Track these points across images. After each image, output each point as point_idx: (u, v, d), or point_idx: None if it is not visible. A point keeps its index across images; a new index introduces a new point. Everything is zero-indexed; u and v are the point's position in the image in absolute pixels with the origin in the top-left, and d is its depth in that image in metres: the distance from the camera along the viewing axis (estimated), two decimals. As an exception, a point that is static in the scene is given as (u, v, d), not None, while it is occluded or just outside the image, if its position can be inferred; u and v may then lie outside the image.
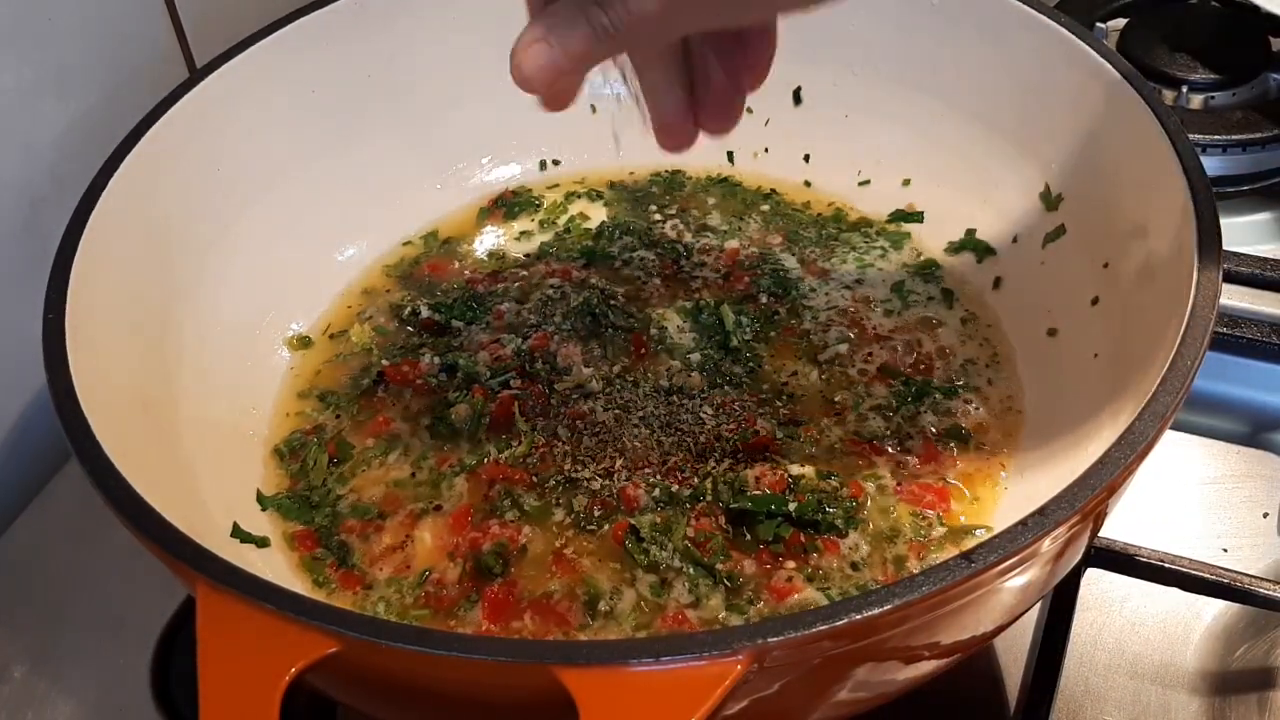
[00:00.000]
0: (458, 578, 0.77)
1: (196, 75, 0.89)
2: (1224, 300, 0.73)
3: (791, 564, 0.76)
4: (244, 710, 0.53)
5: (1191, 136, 0.77)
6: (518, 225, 1.04)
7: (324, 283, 0.98)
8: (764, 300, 0.94)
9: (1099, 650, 0.83)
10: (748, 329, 0.92)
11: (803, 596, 0.75)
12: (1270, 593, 0.78)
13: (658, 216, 1.03)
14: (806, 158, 1.05)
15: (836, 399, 0.87)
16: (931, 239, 0.99)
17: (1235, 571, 0.79)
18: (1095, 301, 0.84)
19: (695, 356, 0.90)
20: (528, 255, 1.01)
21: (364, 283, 0.99)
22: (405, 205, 1.03)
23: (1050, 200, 0.91)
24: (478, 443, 0.84)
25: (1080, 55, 0.85)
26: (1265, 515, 0.90)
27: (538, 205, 1.05)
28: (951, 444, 0.84)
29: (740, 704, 0.56)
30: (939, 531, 0.79)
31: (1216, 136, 1.12)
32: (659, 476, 0.80)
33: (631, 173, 1.08)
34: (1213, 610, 0.84)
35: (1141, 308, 0.78)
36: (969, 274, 0.96)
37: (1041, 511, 0.57)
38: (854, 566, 0.77)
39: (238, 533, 0.77)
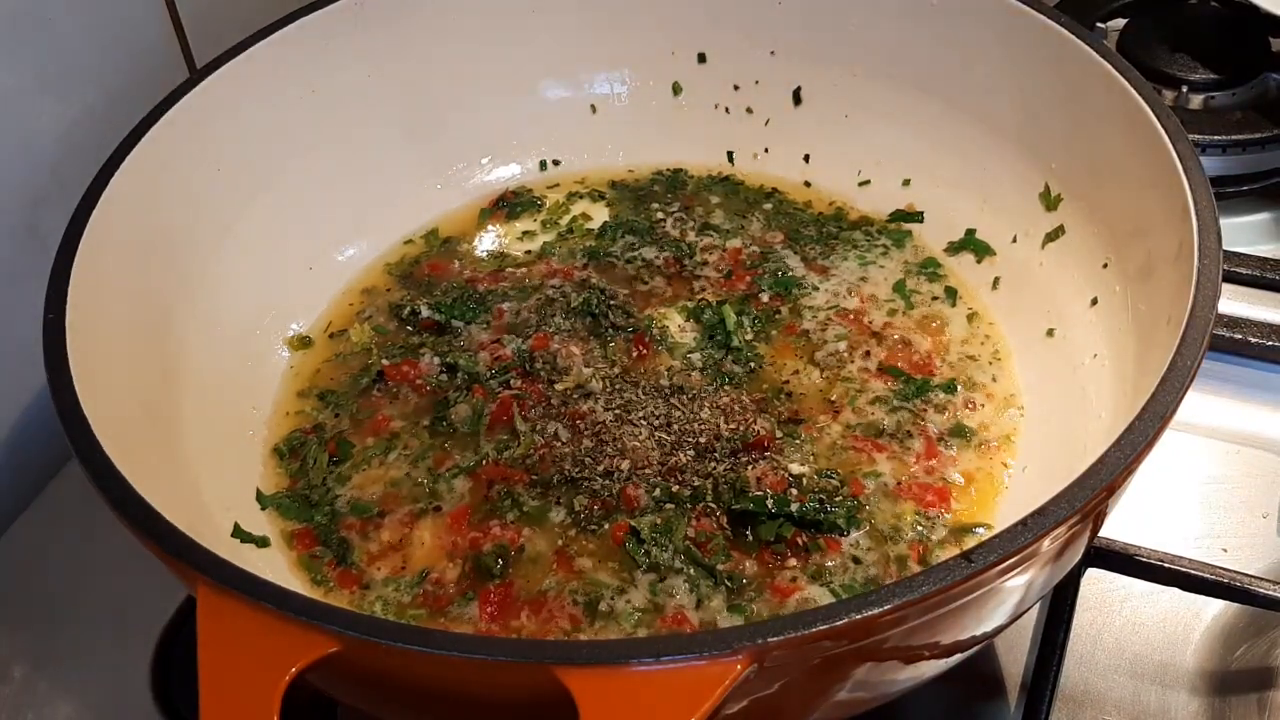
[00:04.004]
0: (457, 578, 0.77)
1: (196, 75, 0.89)
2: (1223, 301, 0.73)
3: (794, 563, 0.76)
4: (244, 710, 0.53)
5: (1191, 136, 0.77)
6: (520, 225, 1.04)
7: (324, 282, 0.98)
8: (765, 299, 0.94)
9: (1099, 650, 0.83)
10: (749, 328, 0.92)
11: (805, 594, 0.75)
12: (1270, 593, 0.78)
13: (660, 215, 1.03)
14: (807, 158, 1.06)
15: (836, 397, 0.87)
16: (931, 239, 0.99)
17: (1235, 571, 0.79)
18: (1095, 302, 0.84)
19: (696, 356, 0.90)
20: (528, 254, 1.01)
21: (364, 282, 0.99)
22: (405, 205, 1.03)
23: (1050, 200, 0.91)
24: (478, 443, 0.84)
25: (1080, 55, 0.85)
26: (1265, 516, 0.90)
27: (539, 205, 1.05)
28: (952, 442, 0.84)
29: (740, 704, 0.56)
30: (940, 530, 0.79)
31: (1216, 136, 1.12)
32: (659, 477, 0.80)
33: (631, 171, 1.08)
34: (1213, 610, 0.84)
35: (1141, 308, 0.78)
36: (968, 274, 0.96)
37: (1041, 511, 0.57)
38: (856, 563, 0.77)
39: (238, 533, 0.77)
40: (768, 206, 1.04)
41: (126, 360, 0.76)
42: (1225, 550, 0.88)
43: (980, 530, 0.79)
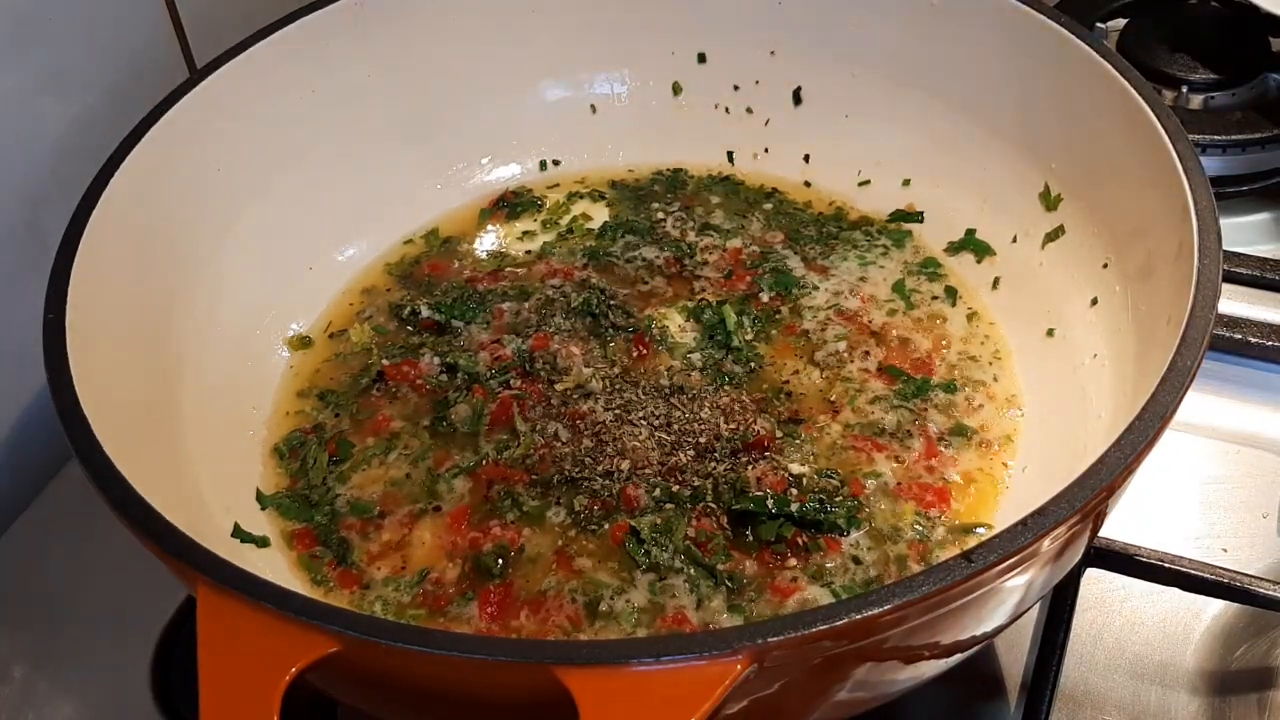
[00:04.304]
0: (457, 578, 0.77)
1: (196, 75, 0.89)
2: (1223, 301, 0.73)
3: (794, 563, 0.76)
4: (244, 710, 0.53)
5: (1191, 136, 0.77)
6: (520, 225, 1.04)
7: (324, 282, 0.98)
8: (765, 299, 0.94)
9: (1099, 650, 0.83)
10: (749, 328, 0.92)
11: (806, 594, 0.75)
12: (1270, 593, 0.78)
13: (660, 215, 1.03)
14: (806, 158, 1.06)
15: (836, 397, 0.87)
16: (931, 239, 0.99)
17: (1235, 571, 0.79)
18: (1095, 302, 0.84)
19: (696, 356, 0.90)
20: (528, 254, 1.01)
21: (364, 281, 0.99)
22: (405, 205, 1.03)
23: (1050, 200, 0.91)
24: (477, 443, 0.84)
25: (1080, 55, 0.85)
26: (1265, 516, 0.90)
27: (540, 205, 1.05)
28: (952, 442, 0.84)
29: (740, 704, 0.56)
30: (940, 530, 0.79)
31: (1216, 136, 1.12)
32: (659, 477, 0.80)
33: (631, 170, 1.08)
34: (1213, 610, 0.84)
35: (1141, 308, 0.78)
36: (968, 274, 0.96)
37: (1041, 511, 0.57)
38: (856, 563, 0.77)
39: (238, 533, 0.77)
40: (768, 206, 1.04)
41: (126, 360, 0.76)
42: (1225, 550, 0.88)
43: (980, 530, 0.79)
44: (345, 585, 0.78)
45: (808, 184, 1.05)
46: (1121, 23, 1.24)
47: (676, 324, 0.93)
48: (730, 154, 1.07)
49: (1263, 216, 1.14)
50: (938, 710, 0.81)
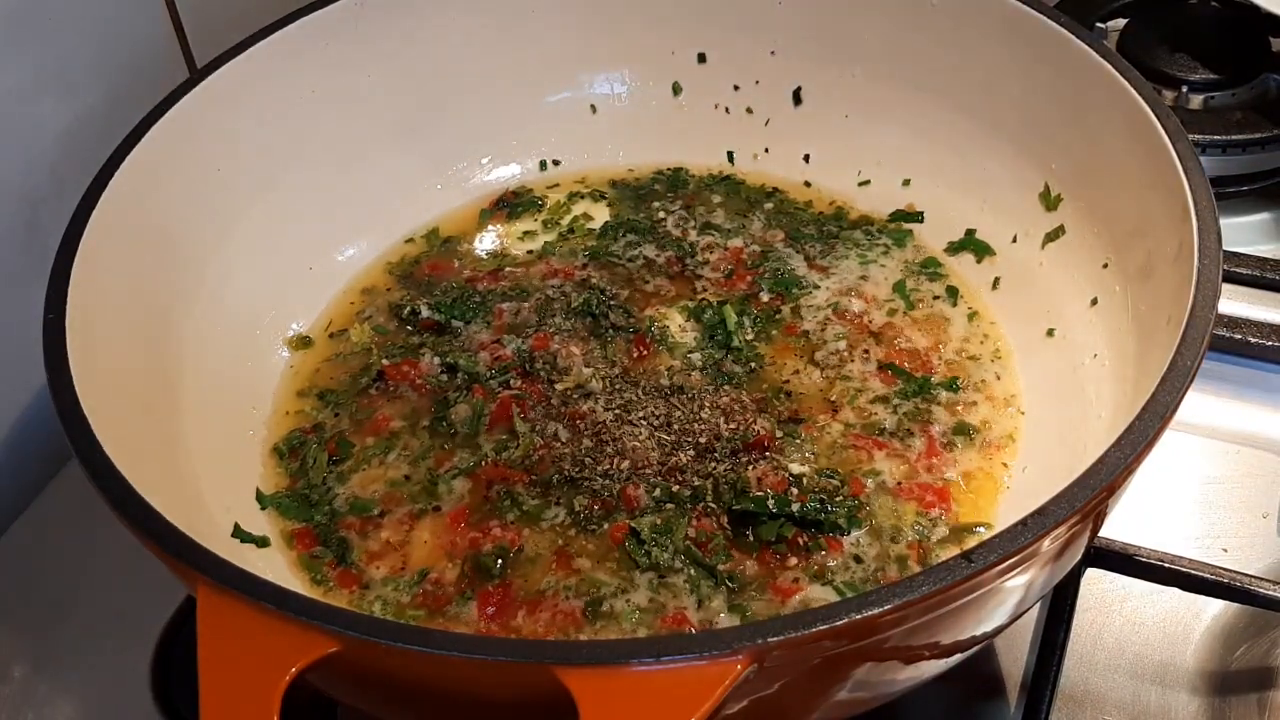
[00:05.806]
0: (456, 578, 0.77)
1: (196, 75, 0.89)
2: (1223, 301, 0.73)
3: (794, 563, 0.76)
4: (244, 710, 0.53)
5: (1191, 136, 0.77)
6: (520, 225, 1.04)
7: (324, 282, 0.98)
8: (766, 299, 0.94)
9: (1099, 650, 0.83)
10: (749, 328, 0.92)
11: (806, 594, 0.75)
12: (1270, 593, 0.78)
13: (661, 214, 1.03)
14: (807, 158, 1.05)
15: (836, 397, 0.87)
16: (932, 239, 0.99)
17: (1235, 571, 0.79)
18: (1095, 302, 0.84)
19: (696, 356, 0.90)
20: (529, 254, 1.01)
21: (364, 282, 0.99)
22: (405, 205, 1.03)
23: (1050, 200, 0.91)
24: (477, 443, 0.84)
25: (1080, 55, 0.85)
26: (1265, 516, 0.90)
27: (540, 205, 1.05)
28: (953, 442, 0.84)
29: (740, 704, 0.56)
30: (940, 530, 0.79)
31: (1216, 136, 1.12)
32: (659, 477, 0.80)
33: (631, 170, 1.08)
34: (1213, 610, 0.84)
35: (1141, 308, 0.78)
36: (969, 273, 0.96)
37: (1041, 511, 0.57)
38: (857, 562, 0.77)
39: (238, 533, 0.77)
40: (769, 206, 1.04)
41: (126, 360, 0.76)
42: (1225, 550, 0.88)
43: (980, 530, 0.79)
44: (345, 585, 0.78)
45: (808, 184, 1.05)
46: (1121, 23, 1.24)
47: (677, 324, 0.93)
48: (730, 154, 1.07)
49: (1263, 216, 1.15)
50: (938, 710, 0.81)
